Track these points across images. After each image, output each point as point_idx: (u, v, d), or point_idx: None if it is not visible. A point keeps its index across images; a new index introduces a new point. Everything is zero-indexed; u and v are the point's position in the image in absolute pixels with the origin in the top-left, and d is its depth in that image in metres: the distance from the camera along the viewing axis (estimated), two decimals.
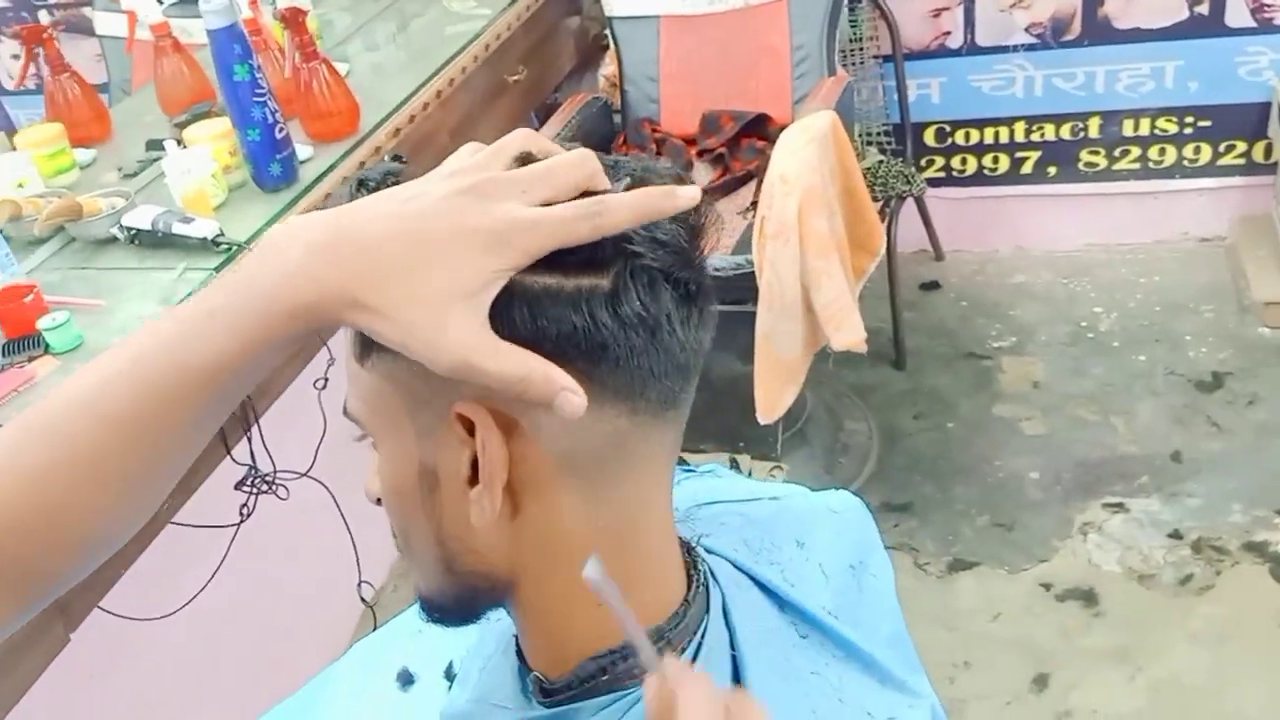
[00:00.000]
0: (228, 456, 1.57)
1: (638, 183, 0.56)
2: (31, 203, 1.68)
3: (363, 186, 0.55)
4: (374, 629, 0.96)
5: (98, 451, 0.51)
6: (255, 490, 1.65)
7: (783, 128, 2.17)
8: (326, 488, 1.78)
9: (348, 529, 1.80)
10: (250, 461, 1.62)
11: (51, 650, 1.29)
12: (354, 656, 0.95)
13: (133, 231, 1.62)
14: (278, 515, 1.70)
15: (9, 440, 0.53)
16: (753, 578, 0.67)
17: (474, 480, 0.54)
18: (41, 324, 1.40)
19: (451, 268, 0.49)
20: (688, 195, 0.52)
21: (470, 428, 0.53)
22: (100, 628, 1.43)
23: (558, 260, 0.51)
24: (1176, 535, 2.20)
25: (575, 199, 0.53)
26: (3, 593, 0.53)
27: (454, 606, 0.60)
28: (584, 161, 0.53)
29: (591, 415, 0.54)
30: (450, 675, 0.83)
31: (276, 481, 1.66)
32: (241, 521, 1.66)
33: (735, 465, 2.38)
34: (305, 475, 1.74)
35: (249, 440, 1.60)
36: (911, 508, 2.36)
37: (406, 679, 0.87)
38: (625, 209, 0.51)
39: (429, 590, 0.61)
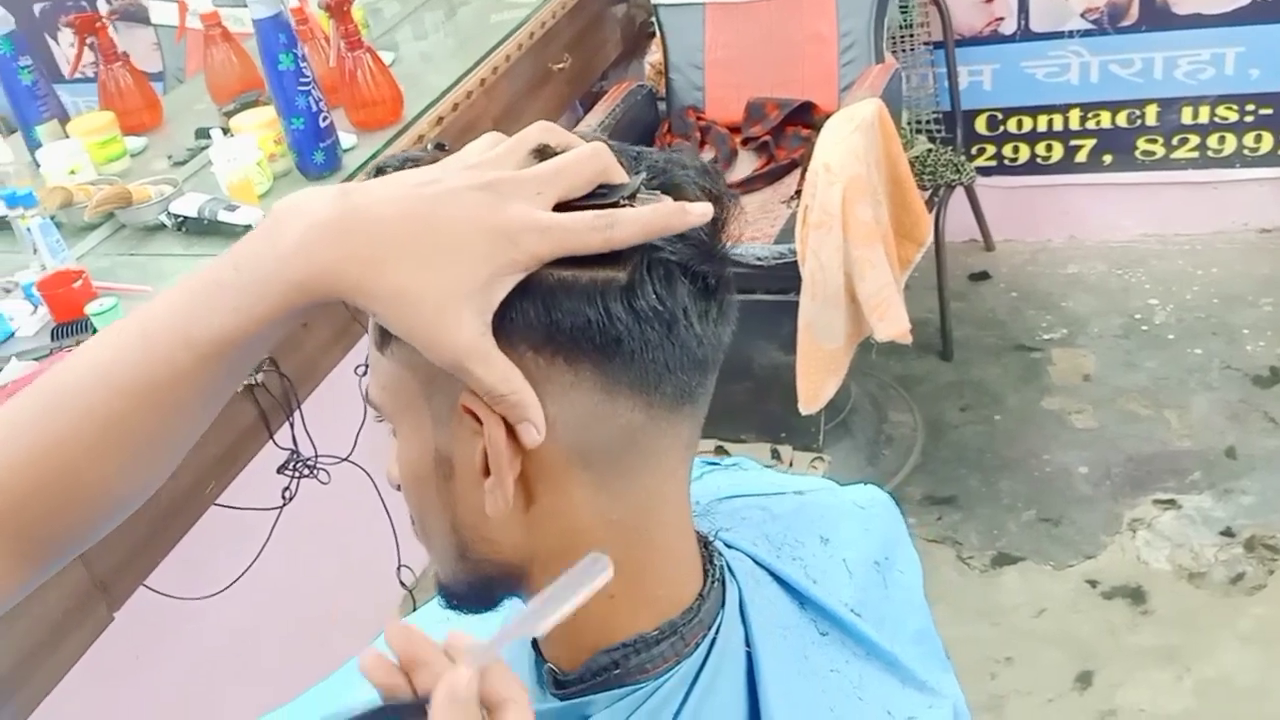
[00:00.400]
0: (270, 441, 1.60)
1: (658, 174, 0.56)
2: (83, 190, 1.71)
3: (381, 173, 0.55)
4: (413, 612, 0.97)
5: (111, 419, 0.52)
6: (297, 474, 1.67)
7: (828, 116, 2.15)
8: (367, 472, 1.80)
9: (387, 513, 1.82)
10: (292, 446, 1.65)
11: (95, 629, 1.32)
12: (385, 642, 0.96)
13: (180, 219, 1.65)
14: (319, 499, 1.73)
15: (27, 405, 0.54)
16: (773, 573, 0.67)
17: (488, 471, 0.54)
18: (89, 309, 1.43)
19: (459, 262, 0.49)
20: (699, 213, 0.52)
21: (479, 420, 0.53)
22: (145, 607, 1.47)
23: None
24: (1229, 533, 2.15)
25: (591, 197, 0.52)
26: (20, 553, 0.54)
27: (470, 594, 0.61)
28: (596, 156, 0.53)
29: (605, 408, 0.54)
30: None
31: (318, 466, 1.69)
32: (284, 504, 1.69)
33: (777, 456, 2.37)
34: (346, 460, 1.76)
35: (291, 425, 1.62)
36: (956, 501, 2.33)
37: None
38: (636, 224, 0.51)
39: (446, 577, 0.61)
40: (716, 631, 0.61)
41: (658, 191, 0.55)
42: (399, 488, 0.62)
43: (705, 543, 0.64)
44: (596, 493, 0.56)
